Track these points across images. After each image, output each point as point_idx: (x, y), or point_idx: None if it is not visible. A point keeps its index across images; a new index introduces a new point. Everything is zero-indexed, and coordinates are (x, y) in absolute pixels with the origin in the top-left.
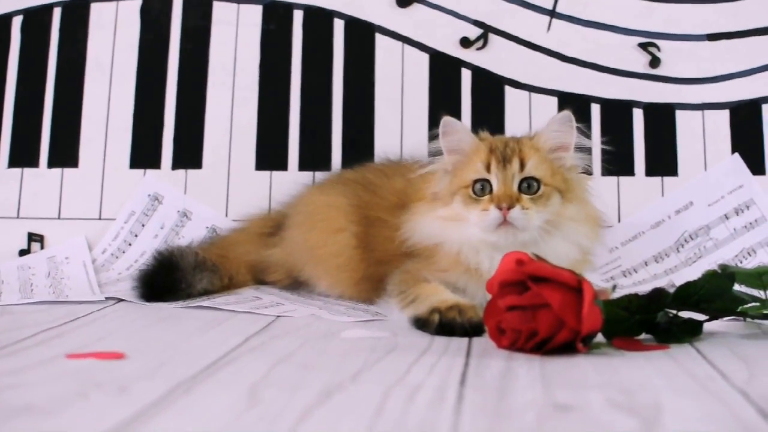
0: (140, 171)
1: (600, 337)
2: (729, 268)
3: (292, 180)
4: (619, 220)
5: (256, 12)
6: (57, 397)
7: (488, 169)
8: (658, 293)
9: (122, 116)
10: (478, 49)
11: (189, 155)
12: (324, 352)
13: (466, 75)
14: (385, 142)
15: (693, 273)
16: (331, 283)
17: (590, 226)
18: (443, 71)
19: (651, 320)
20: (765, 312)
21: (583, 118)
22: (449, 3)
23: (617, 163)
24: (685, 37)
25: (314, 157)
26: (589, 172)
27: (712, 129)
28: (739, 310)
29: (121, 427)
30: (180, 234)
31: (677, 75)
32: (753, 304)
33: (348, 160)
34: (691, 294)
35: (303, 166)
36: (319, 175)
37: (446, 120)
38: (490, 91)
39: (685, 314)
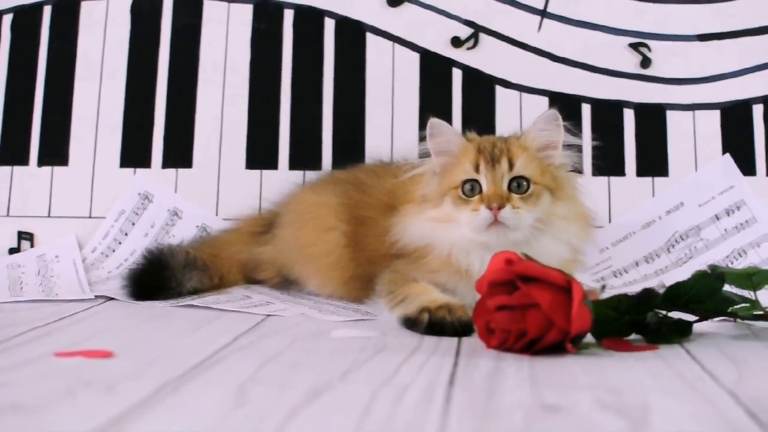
0: (130, 170)
1: (589, 338)
2: (719, 268)
3: (282, 179)
4: (609, 221)
5: (246, 11)
6: (44, 395)
7: (477, 169)
8: (647, 294)
9: (112, 114)
10: (469, 48)
11: (179, 154)
12: (313, 351)
13: (456, 75)
14: (376, 142)
15: (683, 274)
16: (321, 282)
17: (580, 225)
18: (434, 71)
19: (641, 321)
20: (755, 313)
21: (573, 118)
22: (440, 2)
23: (608, 163)
24: (676, 37)
25: (305, 157)
26: (579, 171)
27: (703, 129)
28: (729, 310)
29: (108, 425)
30: (170, 233)
31: (668, 75)
32: (743, 304)
33: (338, 160)
34: (680, 294)
35: (293, 165)
36: (310, 175)
37: (433, 122)
38: (481, 90)
39: (675, 315)
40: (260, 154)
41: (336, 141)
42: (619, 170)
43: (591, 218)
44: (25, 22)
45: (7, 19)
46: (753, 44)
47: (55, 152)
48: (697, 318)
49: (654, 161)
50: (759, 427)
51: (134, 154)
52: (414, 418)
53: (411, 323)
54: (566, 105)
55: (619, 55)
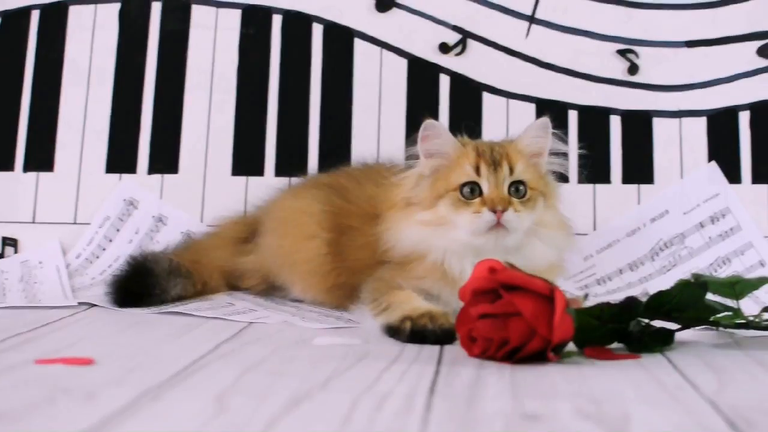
0: (116, 175)
1: (571, 346)
2: (702, 277)
3: (268, 185)
4: (594, 228)
5: (234, 16)
6: (24, 403)
7: (478, 172)
8: (630, 302)
9: (99, 120)
10: (457, 54)
11: (165, 160)
12: (294, 359)
13: (444, 81)
14: (363, 148)
15: (667, 282)
16: (304, 288)
17: (565, 231)
18: (421, 77)
19: (623, 329)
20: (737, 321)
21: (560, 124)
22: (428, 8)
23: (594, 170)
24: (664, 43)
25: (291, 163)
26: (566, 178)
27: (689, 136)
28: (711, 319)
29: None
30: (155, 239)
31: (655, 82)
32: (725, 313)
33: (325, 166)
34: (663, 303)
35: (279, 171)
36: (296, 182)
37: (429, 123)
38: (468, 97)
39: (657, 323)
40: (246, 161)
41: (322, 147)
42: (604, 177)
43: (570, 227)
44: (12, 27)
45: None
46: (740, 51)
47: (41, 158)
48: (679, 327)
49: (640, 168)
50: None
51: (120, 159)
52: (394, 427)
53: (393, 332)
54: (553, 111)
55: (607, 61)
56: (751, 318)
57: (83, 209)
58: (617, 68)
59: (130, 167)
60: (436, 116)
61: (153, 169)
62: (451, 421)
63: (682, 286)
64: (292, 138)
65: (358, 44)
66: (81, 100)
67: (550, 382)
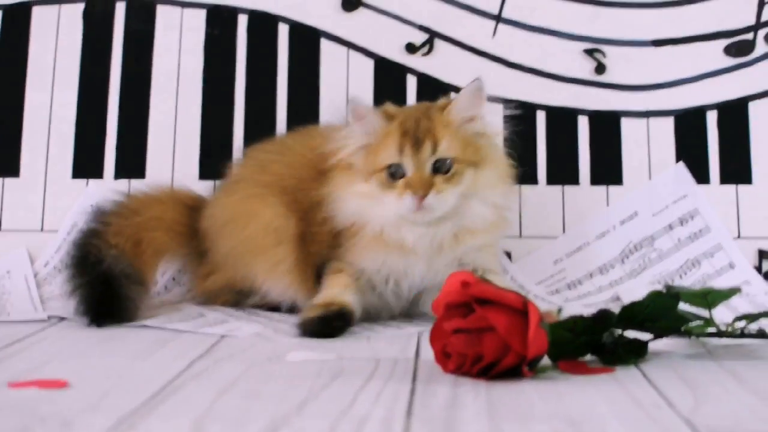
0: (83, 181)
1: (545, 359)
2: (674, 288)
3: None
4: (564, 230)
5: (199, 16)
6: None
7: (401, 152)
8: (603, 314)
9: (64, 123)
10: (424, 54)
11: (132, 164)
12: (269, 378)
13: (411, 81)
14: None
15: (637, 285)
16: (269, 275)
17: (504, 185)
18: (388, 77)
19: (596, 341)
20: (709, 331)
21: (528, 124)
22: (395, 8)
23: (562, 171)
24: (631, 42)
25: None
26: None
27: (657, 137)
28: (683, 328)
29: None
30: None
31: (623, 82)
32: (697, 322)
33: None
34: (636, 314)
35: None
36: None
37: (353, 104)
38: (436, 97)
39: (630, 334)
40: (213, 164)
41: None
42: (573, 179)
43: (511, 175)
44: None
45: None
46: (707, 50)
47: (6, 163)
48: (651, 336)
49: (608, 170)
50: None
51: (87, 164)
52: None
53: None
54: (521, 112)
55: (574, 61)
56: (723, 327)
57: (50, 216)
58: (585, 68)
59: (96, 172)
60: None
61: (120, 173)
62: None
63: (655, 296)
64: (260, 139)
65: (325, 44)
66: (46, 102)
67: (527, 402)
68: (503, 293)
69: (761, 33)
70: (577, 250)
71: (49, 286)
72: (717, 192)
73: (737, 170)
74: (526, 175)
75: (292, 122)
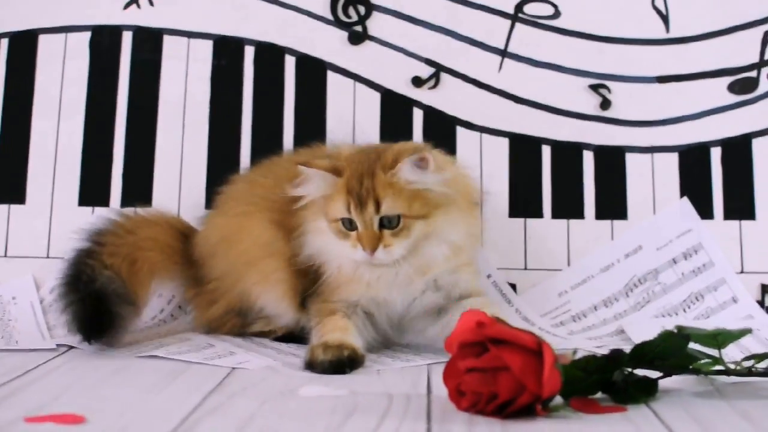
0: (89, 208)
1: (557, 398)
2: (685, 329)
3: None
4: (569, 263)
5: (206, 47)
6: None
7: (348, 210)
8: (616, 354)
9: (71, 151)
10: (430, 88)
11: (139, 192)
12: (285, 414)
13: (417, 114)
14: None
15: (642, 318)
16: (275, 295)
17: (461, 224)
18: (395, 110)
19: (607, 379)
20: (717, 368)
21: (534, 159)
22: (401, 41)
23: (567, 206)
24: (635, 78)
25: None
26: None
27: (662, 172)
28: (691, 367)
29: None
30: None
31: (627, 117)
32: (706, 360)
33: None
34: (646, 353)
35: None
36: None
37: (302, 170)
38: (442, 130)
39: (639, 371)
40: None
41: None
42: (578, 213)
43: (472, 211)
44: None
45: None
46: (711, 87)
47: (12, 190)
48: (661, 374)
49: (613, 204)
50: None
51: (93, 192)
52: None
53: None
54: (527, 146)
55: (579, 96)
56: (732, 365)
57: (56, 242)
58: (590, 103)
59: (103, 200)
60: None
61: (126, 201)
62: None
63: (666, 336)
64: None
65: (331, 77)
66: (52, 130)
67: None
68: (518, 334)
69: (765, 71)
70: (582, 282)
71: (55, 312)
72: (721, 227)
73: (741, 206)
74: (531, 208)
75: None
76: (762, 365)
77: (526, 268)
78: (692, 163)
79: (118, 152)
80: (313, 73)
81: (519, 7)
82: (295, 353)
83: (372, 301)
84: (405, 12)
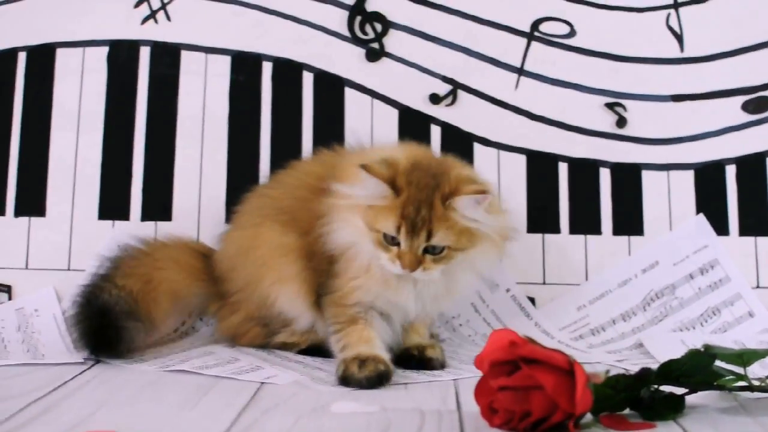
0: (109, 222)
1: (587, 414)
2: (712, 348)
3: None
4: (587, 278)
5: (224, 62)
6: None
7: (398, 231)
8: (645, 372)
9: (90, 165)
10: (447, 105)
11: (158, 206)
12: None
13: (435, 131)
14: None
15: (659, 332)
16: (291, 296)
17: (492, 257)
18: (413, 126)
19: (635, 396)
20: (741, 384)
21: (551, 176)
22: (418, 59)
23: (585, 222)
24: (651, 97)
25: None
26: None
27: (678, 189)
28: (716, 383)
29: None
30: None
31: (643, 135)
32: (730, 377)
33: None
34: (673, 370)
35: None
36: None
37: (365, 173)
38: (460, 147)
39: (665, 387)
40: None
41: None
42: (595, 229)
43: (503, 247)
44: None
45: None
46: (726, 106)
47: (32, 203)
48: (686, 391)
49: (630, 220)
50: None
51: (113, 206)
52: None
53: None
54: (543, 163)
55: (595, 114)
56: (756, 382)
57: (77, 255)
58: (606, 121)
59: (123, 214)
60: None
61: (146, 216)
62: None
63: (692, 355)
64: None
65: (349, 93)
66: (71, 144)
67: None
68: (550, 353)
69: None
70: (600, 297)
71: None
72: (736, 243)
73: (756, 222)
74: (548, 224)
75: None
76: None
77: (544, 283)
78: (708, 180)
79: (137, 166)
80: (331, 89)
81: (535, 26)
82: (320, 367)
83: (388, 303)
84: (422, 30)
